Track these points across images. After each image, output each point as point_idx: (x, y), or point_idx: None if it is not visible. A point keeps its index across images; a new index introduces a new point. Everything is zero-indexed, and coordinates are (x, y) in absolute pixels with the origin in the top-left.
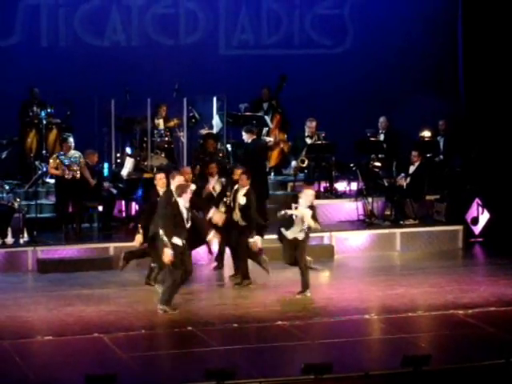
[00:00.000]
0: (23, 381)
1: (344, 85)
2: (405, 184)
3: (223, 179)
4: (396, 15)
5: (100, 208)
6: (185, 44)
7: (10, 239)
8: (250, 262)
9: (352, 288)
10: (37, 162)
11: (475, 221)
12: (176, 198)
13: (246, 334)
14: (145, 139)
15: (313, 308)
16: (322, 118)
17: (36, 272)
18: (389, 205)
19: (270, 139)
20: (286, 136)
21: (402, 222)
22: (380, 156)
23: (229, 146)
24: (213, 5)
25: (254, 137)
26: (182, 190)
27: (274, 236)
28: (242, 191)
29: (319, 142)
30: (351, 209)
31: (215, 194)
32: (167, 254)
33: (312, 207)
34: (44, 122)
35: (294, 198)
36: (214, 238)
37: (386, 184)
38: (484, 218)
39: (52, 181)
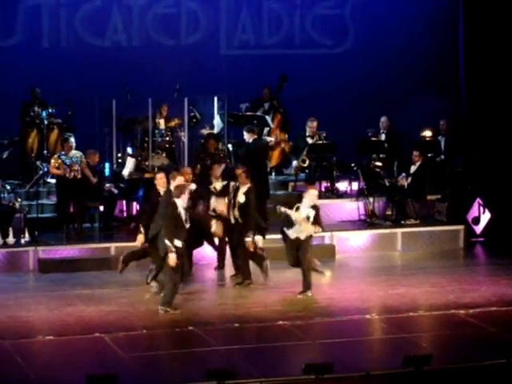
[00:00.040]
0: (24, 381)
1: (345, 85)
2: (406, 184)
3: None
4: (397, 15)
5: (101, 208)
6: (186, 44)
7: (11, 239)
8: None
9: (353, 288)
10: (38, 162)
11: (476, 220)
12: (174, 199)
13: (247, 333)
14: (146, 139)
15: (314, 308)
16: (323, 118)
17: (37, 272)
18: (390, 205)
19: (270, 139)
20: (287, 136)
21: (403, 222)
22: (381, 156)
23: (230, 146)
24: (214, 5)
25: (255, 136)
26: (180, 190)
27: (275, 236)
28: (243, 189)
29: (320, 142)
30: (352, 209)
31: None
32: (172, 259)
33: (315, 207)
34: (45, 122)
35: (298, 198)
36: (218, 230)
37: (387, 184)
38: (485, 217)
39: (53, 181)
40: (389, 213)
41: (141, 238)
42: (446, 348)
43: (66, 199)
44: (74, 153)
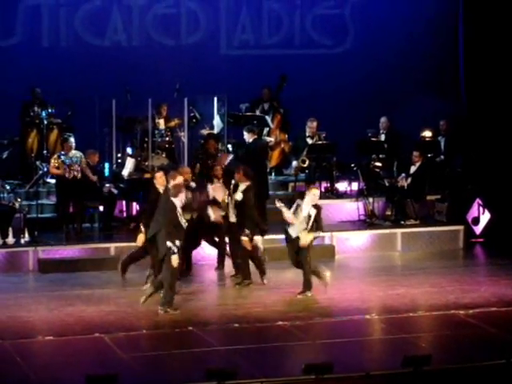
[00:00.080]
0: (24, 381)
1: (345, 85)
2: (406, 184)
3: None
4: (397, 15)
5: (101, 208)
6: (186, 44)
7: (10, 239)
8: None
9: (353, 288)
10: (38, 162)
11: (476, 221)
12: (172, 199)
13: (247, 334)
14: (146, 139)
15: (314, 308)
16: (322, 118)
17: (37, 272)
18: (390, 205)
19: (270, 139)
20: (286, 136)
21: (402, 222)
22: (381, 156)
23: (230, 146)
24: (214, 5)
25: (255, 137)
26: (177, 189)
27: (275, 236)
28: (241, 187)
29: (320, 142)
30: (352, 209)
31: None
32: (175, 259)
33: (317, 207)
34: (45, 122)
35: (301, 195)
36: (217, 216)
37: (387, 184)
38: (485, 218)
39: (53, 181)
40: (388, 213)
41: (142, 237)
42: (446, 348)
43: (66, 199)
44: (74, 153)
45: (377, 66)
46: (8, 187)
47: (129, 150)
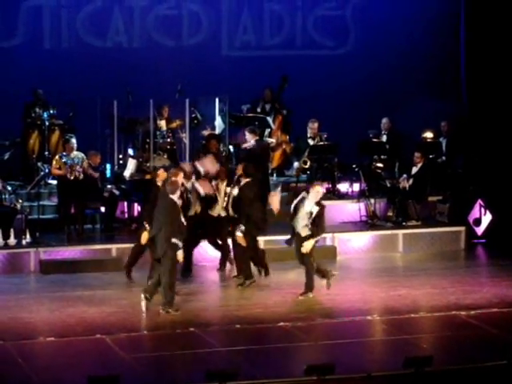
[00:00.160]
0: (26, 382)
1: (346, 86)
2: (407, 185)
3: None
4: (398, 16)
5: (102, 209)
6: (187, 45)
7: (12, 240)
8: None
9: (354, 289)
10: (39, 164)
11: (478, 222)
12: (171, 196)
13: (249, 335)
14: (147, 140)
15: (315, 309)
16: (324, 119)
17: (38, 273)
18: (391, 206)
19: (272, 140)
20: (288, 137)
21: (404, 223)
22: (382, 157)
23: (231, 147)
24: (215, 6)
25: (257, 137)
26: (174, 187)
27: (275, 237)
28: (239, 184)
29: (321, 143)
30: (354, 210)
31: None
32: (180, 255)
33: (320, 205)
34: (46, 123)
35: (305, 190)
36: (208, 189)
37: (389, 185)
38: (486, 219)
39: (54, 182)
40: (390, 214)
41: (146, 235)
42: (447, 349)
43: (67, 200)
44: (76, 154)
45: (378, 67)
46: (9, 188)
47: (130, 151)
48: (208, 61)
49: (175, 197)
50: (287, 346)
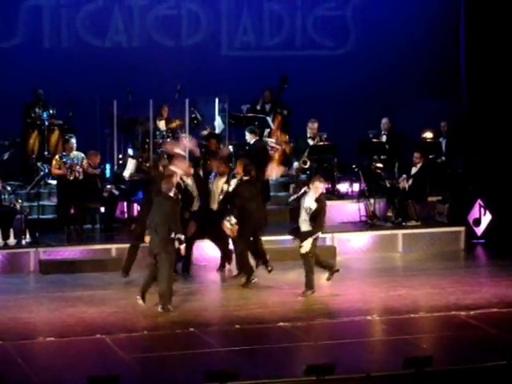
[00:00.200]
0: (26, 382)
1: (346, 86)
2: (407, 185)
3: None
4: (398, 16)
5: (102, 209)
6: (187, 45)
7: (12, 240)
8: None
9: (354, 289)
10: (39, 164)
11: (477, 222)
12: (169, 194)
13: (248, 335)
14: (147, 140)
15: (315, 309)
16: (323, 119)
17: (38, 273)
18: (391, 206)
19: (272, 140)
20: (287, 137)
21: (404, 224)
22: (382, 157)
23: (231, 147)
24: (215, 6)
25: (257, 138)
26: (170, 184)
27: (276, 237)
28: (236, 180)
29: (321, 143)
30: (353, 210)
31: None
32: (183, 248)
33: (320, 202)
34: (46, 123)
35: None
36: (187, 170)
37: (388, 185)
38: (486, 219)
39: (54, 182)
40: (390, 214)
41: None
42: (447, 349)
43: (67, 200)
44: (76, 154)
45: (378, 67)
46: (9, 188)
47: (130, 151)
48: (207, 61)
49: (172, 193)
50: (287, 346)
